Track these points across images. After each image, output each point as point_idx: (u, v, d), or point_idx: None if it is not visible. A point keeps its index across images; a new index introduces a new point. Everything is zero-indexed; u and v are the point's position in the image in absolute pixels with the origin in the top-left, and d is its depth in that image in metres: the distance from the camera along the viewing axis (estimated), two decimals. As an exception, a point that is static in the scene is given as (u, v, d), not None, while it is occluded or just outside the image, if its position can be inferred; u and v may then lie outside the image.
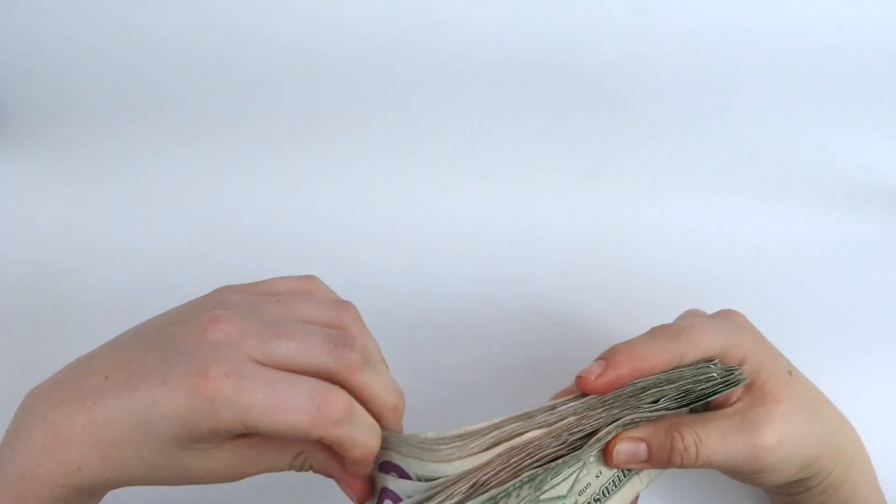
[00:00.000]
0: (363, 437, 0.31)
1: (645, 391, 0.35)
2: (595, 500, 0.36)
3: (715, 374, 0.34)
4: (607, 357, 0.35)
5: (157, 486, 0.33)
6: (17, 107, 0.47)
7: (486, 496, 0.32)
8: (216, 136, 0.47)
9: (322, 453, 0.33)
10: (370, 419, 0.32)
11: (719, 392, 0.35)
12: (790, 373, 0.37)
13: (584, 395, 0.35)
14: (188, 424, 0.30)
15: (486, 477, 0.33)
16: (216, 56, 0.47)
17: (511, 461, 0.33)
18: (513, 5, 0.43)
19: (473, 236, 0.46)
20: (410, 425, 0.35)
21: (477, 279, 0.45)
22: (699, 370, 0.35)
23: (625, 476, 0.37)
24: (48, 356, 0.45)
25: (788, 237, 0.46)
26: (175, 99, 0.47)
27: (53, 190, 0.47)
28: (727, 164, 0.46)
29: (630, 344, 0.35)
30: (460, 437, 0.33)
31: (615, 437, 0.35)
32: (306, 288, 0.35)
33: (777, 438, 0.35)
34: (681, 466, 0.35)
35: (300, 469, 0.34)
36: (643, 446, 0.35)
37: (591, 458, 0.36)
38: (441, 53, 0.45)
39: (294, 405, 0.29)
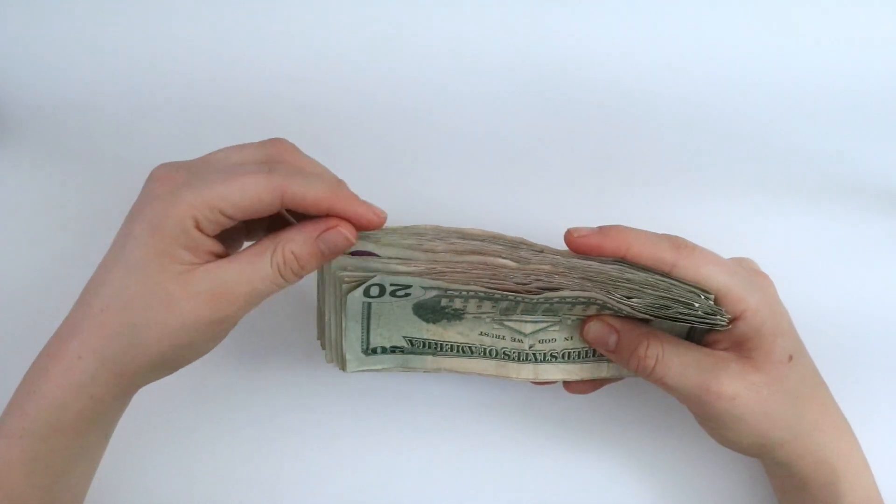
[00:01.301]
0: (317, 184, 0.33)
1: (628, 283, 0.35)
2: (552, 356, 0.38)
3: (697, 306, 0.34)
4: (603, 228, 0.35)
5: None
6: (16, 107, 0.47)
7: (439, 283, 0.34)
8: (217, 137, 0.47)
9: (296, 235, 0.33)
10: (320, 169, 0.35)
11: (690, 322, 0.35)
12: (791, 357, 0.36)
13: (575, 255, 0.35)
14: (156, 231, 0.32)
15: (446, 270, 0.34)
16: (220, 63, 0.47)
17: (475, 272, 0.34)
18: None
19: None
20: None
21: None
22: (687, 293, 0.34)
23: (593, 356, 0.38)
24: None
25: (788, 237, 0.46)
26: (177, 103, 0.47)
27: (53, 189, 0.47)
28: (727, 164, 0.46)
29: (631, 228, 0.35)
30: (442, 231, 0.35)
31: (595, 315, 0.36)
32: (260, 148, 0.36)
33: (731, 394, 0.35)
34: (636, 373, 0.36)
35: (285, 272, 0.34)
36: (614, 336, 0.36)
37: (570, 322, 0.37)
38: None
39: (248, 173, 0.32)
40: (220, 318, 0.33)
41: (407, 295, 0.35)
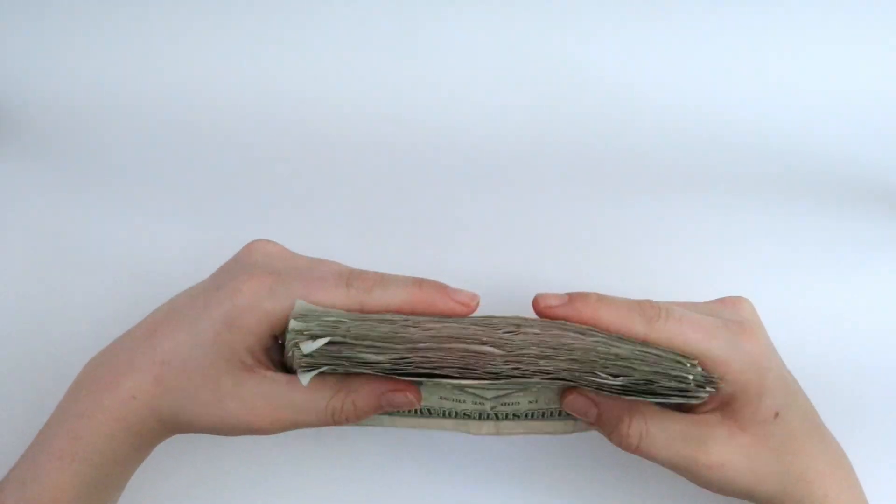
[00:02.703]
0: (397, 292, 0.33)
1: (617, 360, 0.33)
2: (514, 416, 0.37)
3: (690, 378, 0.33)
4: (576, 297, 0.34)
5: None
6: (17, 107, 0.47)
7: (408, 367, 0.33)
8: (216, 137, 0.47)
9: (363, 388, 0.34)
10: (403, 277, 0.34)
11: (675, 401, 0.33)
12: (777, 413, 0.35)
13: (551, 326, 0.34)
14: (232, 326, 0.33)
15: (422, 360, 0.33)
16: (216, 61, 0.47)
17: (449, 359, 0.33)
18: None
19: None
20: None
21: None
22: (677, 365, 0.33)
23: (558, 416, 0.37)
24: (48, 357, 0.45)
25: (788, 237, 0.46)
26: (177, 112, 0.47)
27: (53, 189, 0.47)
28: (726, 164, 0.46)
29: (604, 298, 0.34)
30: (413, 318, 0.34)
31: (574, 388, 0.35)
32: None
33: (721, 462, 0.34)
34: (619, 447, 0.35)
35: (338, 417, 0.34)
36: (594, 410, 0.35)
37: (534, 389, 0.36)
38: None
39: (328, 281, 0.33)
40: (257, 428, 0.34)
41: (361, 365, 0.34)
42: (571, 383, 0.33)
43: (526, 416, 0.37)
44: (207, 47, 0.47)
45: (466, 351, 0.33)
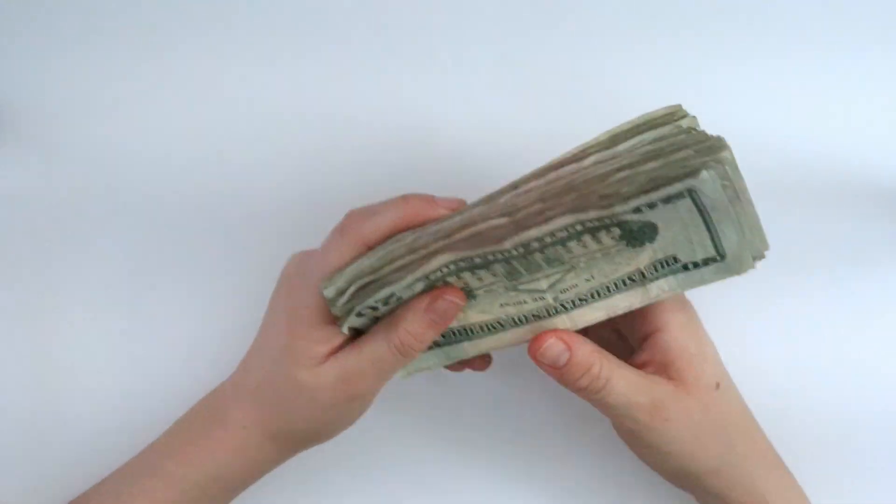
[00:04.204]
0: (385, 213, 0.35)
1: (619, 171, 0.32)
2: (580, 300, 0.36)
3: (683, 136, 0.32)
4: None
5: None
6: (17, 107, 0.47)
7: (414, 274, 0.33)
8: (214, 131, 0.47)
9: (407, 314, 0.35)
10: (388, 200, 0.36)
11: (713, 270, 0.33)
12: (718, 384, 0.37)
13: (548, 170, 0.34)
14: (292, 330, 0.36)
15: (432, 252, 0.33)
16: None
17: (473, 245, 0.33)
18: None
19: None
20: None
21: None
22: (673, 141, 0.32)
23: (624, 285, 0.35)
24: (48, 361, 0.45)
25: (788, 237, 0.46)
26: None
27: (53, 189, 0.47)
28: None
29: None
30: (419, 230, 0.35)
31: (551, 331, 0.35)
32: None
33: (665, 416, 0.35)
34: (581, 393, 0.35)
35: (405, 350, 0.35)
36: (567, 354, 0.35)
37: (582, 263, 0.35)
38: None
39: (330, 245, 0.36)
40: (353, 397, 0.36)
41: (399, 300, 0.35)
42: (596, 225, 0.32)
43: (592, 296, 0.36)
44: (207, 48, 0.47)
45: (476, 234, 0.33)
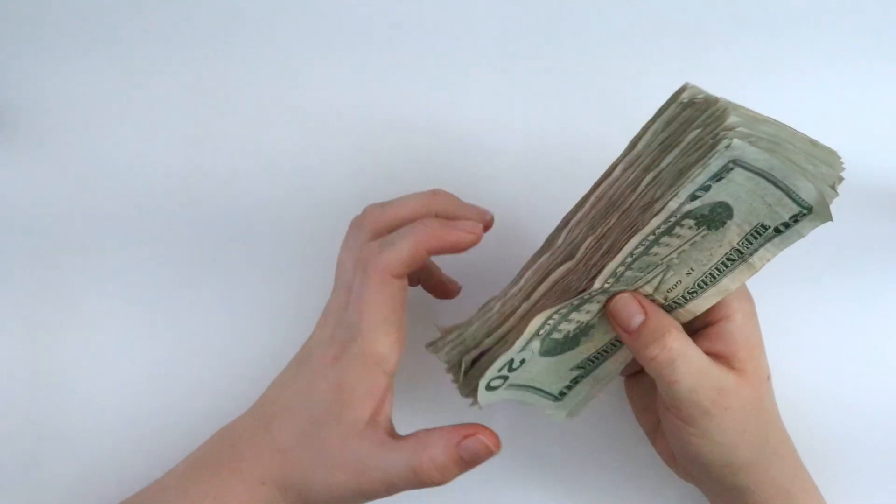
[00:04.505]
0: (402, 244, 0.34)
1: (646, 173, 0.32)
2: (690, 293, 0.35)
3: (689, 112, 0.31)
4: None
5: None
6: (17, 107, 0.47)
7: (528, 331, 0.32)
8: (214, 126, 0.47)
9: (437, 440, 0.33)
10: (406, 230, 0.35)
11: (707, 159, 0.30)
12: (769, 377, 0.36)
13: (589, 195, 0.33)
14: (342, 387, 0.34)
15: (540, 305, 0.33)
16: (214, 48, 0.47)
17: (561, 297, 0.33)
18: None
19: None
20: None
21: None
22: (681, 121, 0.31)
23: (727, 266, 0.34)
24: (47, 361, 0.45)
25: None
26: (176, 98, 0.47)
27: (53, 189, 0.47)
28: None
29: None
30: (502, 295, 0.34)
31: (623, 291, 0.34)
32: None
33: (726, 405, 0.34)
34: (648, 364, 0.34)
35: (424, 478, 0.33)
36: (641, 317, 0.34)
37: (676, 260, 0.34)
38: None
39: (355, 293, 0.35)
40: (358, 492, 0.34)
41: (522, 362, 0.34)
42: (665, 229, 0.32)
43: (700, 286, 0.35)
44: (209, 50, 0.47)
45: (556, 284, 0.33)
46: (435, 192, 0.36)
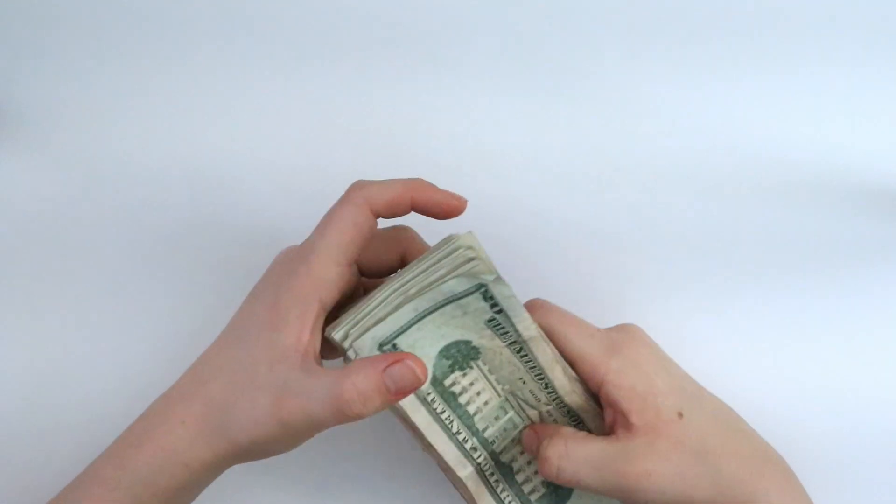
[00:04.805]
0: (393, 184, 0.34)
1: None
2: (547, 390, 0.36)
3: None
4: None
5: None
6: (17, 107, 0.47)
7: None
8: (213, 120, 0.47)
9: (361, 366, 0.32)
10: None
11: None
12: (680, 414, 0.35)
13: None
14: (275, 325, 0.33)
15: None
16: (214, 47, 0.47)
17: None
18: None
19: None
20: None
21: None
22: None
23: (526, 356, 0.36)
24: (47, 360, 0.45)
25: (788, 237, 0.45)
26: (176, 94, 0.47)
27: (52, 189, 0.47)
28: (726, 163, 0.46)
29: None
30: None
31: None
32: None
33: (648, 470, 0.33)
34: (547, 478, 0.34)
35: (344, 406, 0.31)
36: (537, 441, 0.35)
37: (502, 392, 0.37)
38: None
39: (335, 215, 0.34)
40: (281, 421, 0.32)
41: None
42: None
43: (540, 379, 0.36)
44: (210, 54, 0.47)
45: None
46: (416, 179, 0.36)
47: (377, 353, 0.34)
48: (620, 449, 0.33)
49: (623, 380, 0.34)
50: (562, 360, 0.35)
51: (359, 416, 0.31)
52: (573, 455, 0.33)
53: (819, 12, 0.45)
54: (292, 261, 0.34)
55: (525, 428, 0.37)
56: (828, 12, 0.45)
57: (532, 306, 0.36)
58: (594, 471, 0.33)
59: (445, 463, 0.36)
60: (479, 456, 0.36)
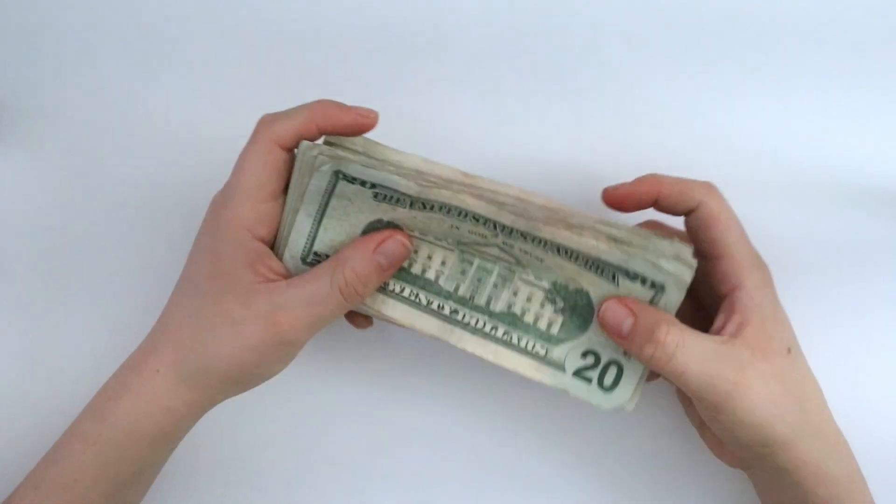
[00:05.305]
0: (296, 113, 0.36)
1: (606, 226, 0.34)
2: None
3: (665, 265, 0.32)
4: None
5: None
6: (17, 107, 0.47)
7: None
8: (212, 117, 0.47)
9: (353, 253, 0.34)
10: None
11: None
12: (789, 350, 0.35)
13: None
14: (216, 254, 0.34)
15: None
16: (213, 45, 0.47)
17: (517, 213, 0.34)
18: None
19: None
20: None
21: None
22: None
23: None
24: (46, 359, 0.45)
25: (788, 237, 0.45)
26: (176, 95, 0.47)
27: (53, 190, 0.47)
28: (726, 162, 0.46)
29: (664, 175, 0.37)
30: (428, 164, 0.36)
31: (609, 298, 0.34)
32: None
33: (748, 383, 0.33)
34: (649, 361, 0.33)
35: (347, 292, 0.33)
36: (630, 320, 0.33)
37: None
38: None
39: (245, 152, 0.36)
40: (281, 341, 0.34)
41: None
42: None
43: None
44: (205, 53, 0.47)
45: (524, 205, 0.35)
46: (319, 101, 0.36)
47: (304, 267, 0.35)
48: (732, 353, 0.33)
49: (755, 294, 0.34)
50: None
51: (361, 299, 0.34)
52: (689, 345, 0.33)
53: (819, 12, 0.46)
54: (217, 208, 0.36)
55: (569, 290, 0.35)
56: (828, 12, 0.46)
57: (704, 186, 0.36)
58: (700, 365, 0.33)
59: (436, 339, 0.36)
60: (465, 316, 0.35)
